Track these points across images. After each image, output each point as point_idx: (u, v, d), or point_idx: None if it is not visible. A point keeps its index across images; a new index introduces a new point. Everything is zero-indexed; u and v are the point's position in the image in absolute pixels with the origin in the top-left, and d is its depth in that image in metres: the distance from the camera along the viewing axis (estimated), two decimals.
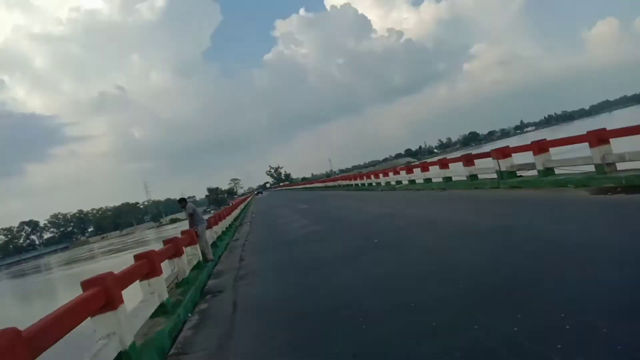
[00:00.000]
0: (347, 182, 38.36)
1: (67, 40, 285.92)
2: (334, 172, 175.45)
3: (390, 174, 25.48)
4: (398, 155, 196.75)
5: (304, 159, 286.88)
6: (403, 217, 11.58)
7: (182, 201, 11.87)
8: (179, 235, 9.93)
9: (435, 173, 18.88)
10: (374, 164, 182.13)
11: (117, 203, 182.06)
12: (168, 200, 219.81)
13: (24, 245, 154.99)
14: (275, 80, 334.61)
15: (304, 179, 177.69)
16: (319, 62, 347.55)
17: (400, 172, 24.24)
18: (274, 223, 19.92)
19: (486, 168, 14.71)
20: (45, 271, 69.88)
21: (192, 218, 11.53)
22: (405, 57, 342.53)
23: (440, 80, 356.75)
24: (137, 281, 6.08)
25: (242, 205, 40.81)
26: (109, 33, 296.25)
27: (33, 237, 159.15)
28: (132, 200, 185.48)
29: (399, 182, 23.86)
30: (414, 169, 22.15)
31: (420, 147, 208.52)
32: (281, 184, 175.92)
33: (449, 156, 20.26)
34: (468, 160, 15.88)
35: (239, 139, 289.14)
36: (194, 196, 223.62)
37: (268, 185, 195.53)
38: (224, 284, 8.77)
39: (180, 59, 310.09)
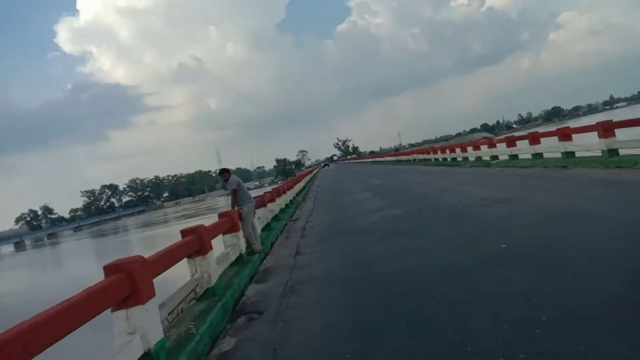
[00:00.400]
0: (425, 155, 34.42)
1: (150, 14, 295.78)
2: (404, 146, 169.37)
3: (484, 147, 21.42)
4: (473, 130, 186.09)
5: (373, 132, 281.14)
6: (527, 205, 8.08)
7: (225, 172, 8.97)
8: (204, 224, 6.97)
9: (547, 147, 15.00)
10: (446, 138, 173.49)
11: (191, 170, 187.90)
12: (238, 170, 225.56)
13: (105, 207, 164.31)
14: (348, 51, 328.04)
15: (372, 152, 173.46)
16: (393, 32, 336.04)
17: (482, 147, 20.65)
18: (342, 201, 17.11)
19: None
20: (123, 232, 72.41)
21: (236, 195, 8.71)
22: (486, 26, 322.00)
23: (522, 50, 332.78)
24: None
25: (307, 178, 38.36)
26: (188, 5, 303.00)
27: (113, 199, 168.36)
28: (204, 169, 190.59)
29: (494, 157, 19.86)
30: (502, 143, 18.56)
31: (497, 121, 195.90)
32: (348, 157, 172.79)
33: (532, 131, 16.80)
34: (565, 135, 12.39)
35: (308, 111, 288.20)
36: (263, 166, 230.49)
37: (335, 157, 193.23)
38: (267, 297, 5.87)
39: (255, 30, 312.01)
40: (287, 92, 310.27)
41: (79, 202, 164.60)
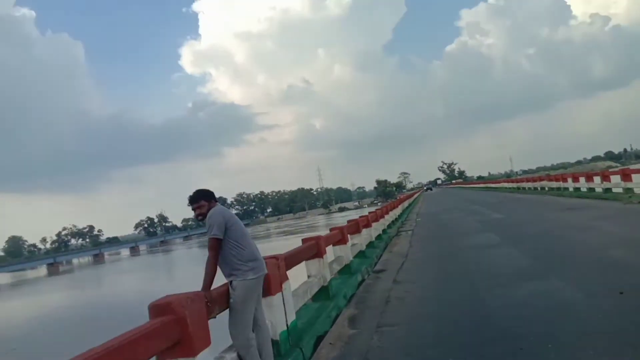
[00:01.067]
0: (558, 183, 28.71)
1: (264, 37, 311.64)
2: (516, 172, 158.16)
3: None
4: (595, 158, 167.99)
5: (481, 156, 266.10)
6: None
7: (201, 197, 4.34)
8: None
9: None
10: (564, 166, 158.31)
11: (294, 188, 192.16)
12: (339, 189, 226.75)
13: None
14: (456, 72, 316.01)
15: (480, 177, 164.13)
16: (506, 52, 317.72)
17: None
18: (451, 246, 12.01)
19: None
20: None
21: (218, 250, 3.99)
22: (611, 46, 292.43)
23: None
24: None
25: (406, 203, 33.69)
26: (299, 29, 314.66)
27: None
28: (306, 186, 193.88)
29: None
30: None
31: (625, 149, 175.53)
32: (454, 181, 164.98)
33: None
34: None
35: (412, 133, 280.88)
36: (363, 187, 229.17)
37: (439, 181, 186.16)
38: None
39: (361, 52, 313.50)
40: (391, 114, 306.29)
41: (191, 213, 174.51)
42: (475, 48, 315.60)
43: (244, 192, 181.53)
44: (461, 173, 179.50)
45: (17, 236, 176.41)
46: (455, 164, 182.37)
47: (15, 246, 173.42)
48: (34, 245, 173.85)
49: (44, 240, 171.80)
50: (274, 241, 53.42)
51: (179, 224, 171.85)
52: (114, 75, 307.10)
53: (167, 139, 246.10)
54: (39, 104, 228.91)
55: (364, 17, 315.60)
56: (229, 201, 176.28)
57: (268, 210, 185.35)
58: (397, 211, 24.25)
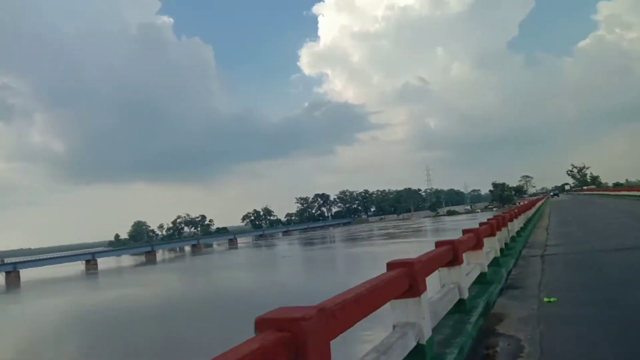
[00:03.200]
0: None
1: (380, 37, 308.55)
2: None
3: None
4: None
5: (617, 162, 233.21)
6: None
7: None
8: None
9: None
10: None
11: (400, 187, 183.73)
12: (451, 191, 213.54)
13: (316, 214, 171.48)
14: (590, 69, 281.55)
15: (617, 184, 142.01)
16: None
17: None
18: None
19: None
20: (320, 244, 70.32)
21: None
22: None
23: None
24: None
25: (529, 212, 23.78)
26: (417, 27, 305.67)
27: (323, 208, 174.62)
28: (414, 187, 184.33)
29: None
30: None
31: None
32: (585, 187, 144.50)
33: None
34: None
35: (536, 135, 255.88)
36: (478, 190, 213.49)
37: (567, 187, 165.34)
38: None
39: (483, 49, 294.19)
40: (515, 114, 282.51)
41: (294, 208, 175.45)
42: (614, 43, 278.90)
43: (347, 190, 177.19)
44: (594, 179, 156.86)
45: (141, 221, 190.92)
46: (587, 168, 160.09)
47: (138, 230, 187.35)
48: (153, 231, 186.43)
49: (161, 227, 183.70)
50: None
51: (283, 218, 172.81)
52: (239, 76, 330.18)
53: (284, 137, 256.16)
54: (174, 103, 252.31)
55: (488, 12, 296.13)
56: (331, 198, 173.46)
57: (372, 210, 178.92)
58: (512, 227, 14.49)
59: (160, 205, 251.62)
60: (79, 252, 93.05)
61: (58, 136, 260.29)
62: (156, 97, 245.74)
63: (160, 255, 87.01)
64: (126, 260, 78.93)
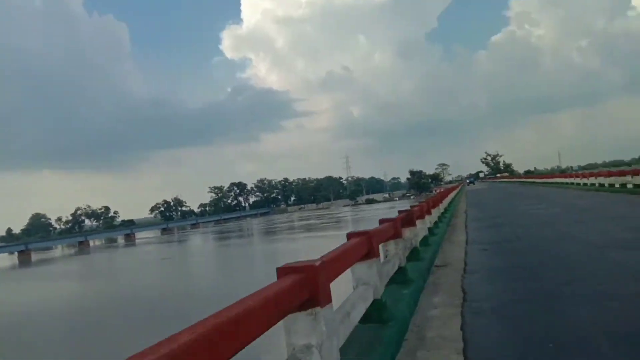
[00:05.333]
0: None
1: (304, 22, 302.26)
2: (572, 168, 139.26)
3: None
4: None
5: (526, 150, 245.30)
6: None
7: None
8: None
9: None
10: (617, 164, 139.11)
11: (321, 176, 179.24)
12: (372, 179, 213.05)
13: (232, 204, 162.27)
14: (501, 63, 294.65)
15: (527, 172, 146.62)
16: (557, 44, 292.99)
17: None
18: None
19: None
20: (229, 238, 62.76)
21: None
22: None
23: None
24: None
25: (445, 201, 20.77)
26: (341, 14, 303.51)
27: (240, 198, 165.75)
28: (336, 175, 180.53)
29: None
30: None
31: None
32: (498, 174, 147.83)
33: None
34: None
35: (452, 124, 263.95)
36: (398, 178, 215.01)
37: (481, 174, 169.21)
38: None
39: (403, 40, 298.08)
40: (432, 103, 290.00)
41: (208, 198, 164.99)
42: (523, 39, 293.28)
43: (265, 178, 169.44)
44: (507, 166, 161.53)
45: (40, 213, 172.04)
46: (501, 156, 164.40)
47: (35, 224, 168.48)
48: (51, 225, 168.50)
49: (59, 219, 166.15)
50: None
51: (197, 209, 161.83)
52: (157, 59, 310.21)
53: (206, 123, 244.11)
54: (85, 84, 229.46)
55: (409, 3, 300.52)
56: (249, 187, 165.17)
57: (292, 199, 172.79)
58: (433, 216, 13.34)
59: (67, 195, 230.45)
60: None
61: None
62: (64, 78, 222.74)
63: (40, 255, 74.92)
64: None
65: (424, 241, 9.91)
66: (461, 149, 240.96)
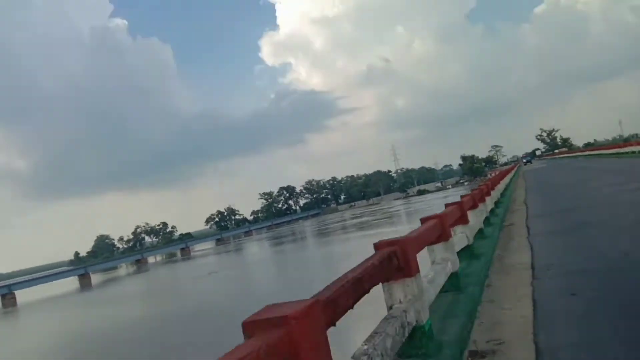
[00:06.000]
0: None
1: (340, 20, 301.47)
2: (638, 135, 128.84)
3: None
4: None
5: (583, 123, 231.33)
6: None
7: None
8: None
9: None
10: None
11: (370, 171, 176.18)
12: (422, 169, 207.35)
13: (283, 208, 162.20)
14: (548, 34, 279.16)
15: (588, 145, 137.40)
16: (605, 6, 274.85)
17: None
18: None
19: None
20: (281, 245, 61.88)
21: None
22: None
23: None
24: None
25: (496, 189, 17.01)
26: (376, 7, 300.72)
27: (290, 202, 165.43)
28: (384, 169, 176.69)
29: None
30: None
31: None
32: (556, 151, 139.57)
33: None
34: None
35: (501, 104, 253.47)
36: (450, 165, 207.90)
37: (538, 152, 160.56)
38: None
39: (442, 24, 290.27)
40: (479, 85, 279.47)
41: (259, 204, 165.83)
42: (569, 6, 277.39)
43: (313, 179, 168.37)
44: (565, 140, 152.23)
45: (104, 235, 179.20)
46: (557, 131, 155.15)
47: (100, 245, 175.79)
48: (114, 245, 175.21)
49: (121, 239, 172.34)
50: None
51: (249, 216, 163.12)
52: (201, 74, 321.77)
53: (253, 131, 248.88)
54: (136, 107, 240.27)
55: None
56: (297, 190, 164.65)
57: (342, 198, 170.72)
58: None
59: (129, 215, 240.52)
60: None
61: (19, 153, 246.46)
62: (116, 103, 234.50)
63: (100, 276, 77.04)
64: (57, 286, 68.56)
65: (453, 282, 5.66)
66: (514, 128, 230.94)
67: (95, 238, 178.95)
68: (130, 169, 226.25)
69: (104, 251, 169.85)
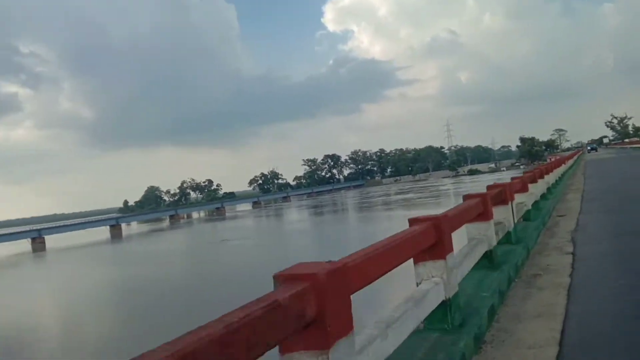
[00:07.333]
0: None
1: None
2: None
3: None
4: None
5: None
6: None
7: None
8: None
9: None
10: None
11: (421, 145, 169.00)
12: (478, 148, 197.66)
13: (326, 177, 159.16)
14: (630, 16, 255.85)
15: None
16: None
17: None
18: None
19: None
20: (311, 215, 59.24)
21: None
22: None
23: None
24: None
25: (552, 174, 14.28)
26: None
27: (334, 170, 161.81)
28: (437, 145, 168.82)
29: None
30: None
31: None
32: (626, 140, 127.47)
33: None
34: None
35: (571, 86, 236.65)
36: (509, 146, 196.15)
37: (605, 140, 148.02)
38: None
39: None
40: (549, 65, 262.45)
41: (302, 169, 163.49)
42: None
43: (359, 150, 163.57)
44: (637, 130, 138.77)
45: (154, 186, 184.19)
46: (630, 119, 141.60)
47: (149, 196, 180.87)
48: (160, 197, 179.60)
49: (168, 192, 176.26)
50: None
51: (292, 182, 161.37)
52: (262, 36, 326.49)
53: (309, 97, 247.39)
54: (199, 66, 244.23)
55: None
56: (342, 159, 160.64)
57: (390, 170, 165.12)
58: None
59: (182, 169, 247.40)
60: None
61: (86, 103, 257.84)
62: (179, 61, 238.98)
63: (130, 229, 77.62)
64: (90, 234, 69.40)
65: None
66: (582, 113, 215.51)
67: (145, 189, 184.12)
68: (187, 126, 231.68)
69: (151, 202, 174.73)
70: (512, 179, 9.20)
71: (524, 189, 9.12)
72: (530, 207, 9.10)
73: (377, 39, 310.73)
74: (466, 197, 5.54)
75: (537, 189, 10.22)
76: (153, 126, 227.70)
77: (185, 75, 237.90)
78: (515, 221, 7.25)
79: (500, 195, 6.74)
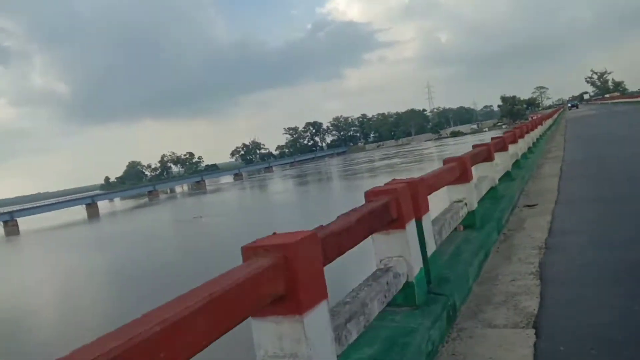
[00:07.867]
0: None
1: None
2: None
3: None
4: None
5: (638, 66, 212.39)
6: None
7: None
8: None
9: None
10: None
11: (403, 109, 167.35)
12: (460, 109, 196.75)
13: (309, 145, 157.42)
14: None
15: None
16: None
17: None
18: None
19: None
20: (294, 185, 58.09)
21: None
22: None
23: None
24: None
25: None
26: None
27: (316, 138, 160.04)
28: (419, 107, 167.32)
29: None
30: None
31: None
32: (607, 95, 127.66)
33: None
34: None
35: (551, 43, 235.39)
36: (491, 106, 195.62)
37: (586, 96, 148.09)
38: None
39: None
40: (528, 22, 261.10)
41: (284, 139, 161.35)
42: None
43: (341, 116, 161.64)
44: (617, 84, 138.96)
45: (135, 161, 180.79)
46: (609, 74, 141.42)
47: (131, 172, 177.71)
48: (142, 172, 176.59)
49: (149, 166, 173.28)
50: None
51: (275, 151, 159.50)
52: (236, 1, 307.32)
53: (288, 63, 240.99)
54: (173, 35, 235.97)
55: None
56: (324, 126, 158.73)
57: (373, 135, 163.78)
58: None
59: (162, 142, 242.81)
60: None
61: (60, 77, 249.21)
62: (154, 30, 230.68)
63: (116, 204, 75.84)
64: (66, 213, 67.49)
65: None
66: (562, 69, 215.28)
67: (126, 164, 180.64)
68: (165, 98, 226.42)
69: (133, 178, 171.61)
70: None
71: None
72: (474, 207, 5.40)
73: (354, 1, 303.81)
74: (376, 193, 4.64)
75: (493, 170, 7.20)
76: (131, 99, 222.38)
77: (161, 45, 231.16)
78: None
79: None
